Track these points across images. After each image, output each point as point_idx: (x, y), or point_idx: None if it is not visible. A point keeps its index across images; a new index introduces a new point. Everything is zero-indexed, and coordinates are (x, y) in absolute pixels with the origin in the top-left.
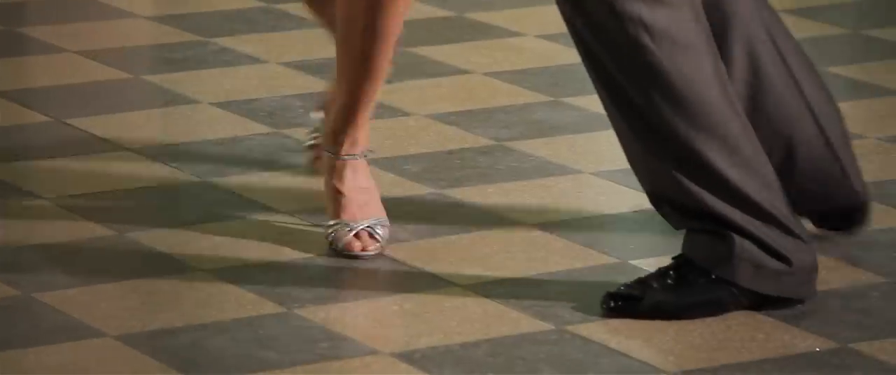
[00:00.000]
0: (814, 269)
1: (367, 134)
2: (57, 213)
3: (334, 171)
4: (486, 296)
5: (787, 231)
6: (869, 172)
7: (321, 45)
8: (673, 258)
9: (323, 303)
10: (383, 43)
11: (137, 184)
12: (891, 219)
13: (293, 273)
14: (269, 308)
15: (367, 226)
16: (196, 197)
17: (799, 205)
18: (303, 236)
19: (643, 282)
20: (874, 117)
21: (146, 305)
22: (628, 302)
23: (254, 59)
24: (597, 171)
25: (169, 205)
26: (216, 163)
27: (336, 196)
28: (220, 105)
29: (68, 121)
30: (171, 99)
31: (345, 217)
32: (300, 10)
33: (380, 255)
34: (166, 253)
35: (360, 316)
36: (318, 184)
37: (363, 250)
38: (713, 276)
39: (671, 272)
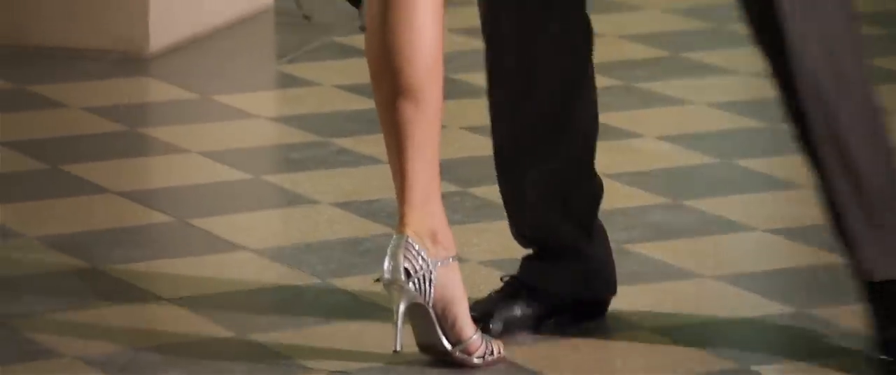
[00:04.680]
0: None
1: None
2: (177, 313)
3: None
4: None
5: None
6: None
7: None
8: None
9: None
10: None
11: (258, 285)
12: None
13: None
14: None
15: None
16: (316, 297)
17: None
18: None
19: None
20: None
21: None
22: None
23: (373, 160)
24: (716, 275)
25: (289, 306)
26: (337, 263)
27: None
28: (340, 205)
29: (190, 222)
30: (292, 199)
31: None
32: None
33: (501, 360)
34: (286, 354)
35: None
36: None
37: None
38: None
39: None
